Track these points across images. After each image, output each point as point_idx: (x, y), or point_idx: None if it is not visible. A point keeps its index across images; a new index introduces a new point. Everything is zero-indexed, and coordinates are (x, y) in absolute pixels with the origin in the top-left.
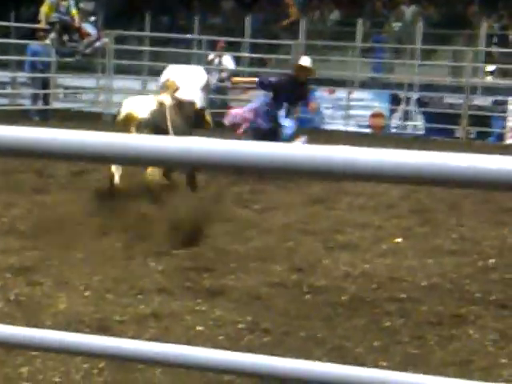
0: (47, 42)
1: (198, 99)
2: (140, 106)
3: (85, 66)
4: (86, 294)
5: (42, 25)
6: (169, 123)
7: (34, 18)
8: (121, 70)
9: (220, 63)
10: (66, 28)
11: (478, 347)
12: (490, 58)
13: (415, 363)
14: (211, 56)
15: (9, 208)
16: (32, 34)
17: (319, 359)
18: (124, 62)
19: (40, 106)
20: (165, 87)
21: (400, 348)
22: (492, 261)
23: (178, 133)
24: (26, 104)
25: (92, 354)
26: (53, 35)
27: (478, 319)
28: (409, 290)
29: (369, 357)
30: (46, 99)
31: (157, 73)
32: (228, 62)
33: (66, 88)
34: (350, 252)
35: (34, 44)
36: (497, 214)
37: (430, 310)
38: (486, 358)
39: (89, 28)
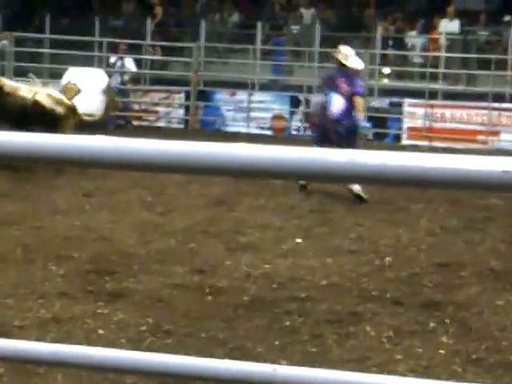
0: None
1: (99, 102)
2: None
3: None
4: None
5: None
6: None
7: None
8: (20, 73)
9: (122, 66)
10: None
11: (374, 344)
12: (385, 60)
13: (314, 361)
14: (113, 59)
15: None
16: None
17: (221, 359)
18: (23, 64)
19: None
20: (65, 90)
21: (300, 346)
22: (388, 259)
23: None
24: None
25: None
26: None
27: (374, 316)
28: (308, 289)
29: (269, 356)
30: None
31: (57, 75)
32: (130, 64)
33: None
34: (251, 253)
35: None
36: (392, 213)
37: (329, 309)
38: (382, 355)
39: None
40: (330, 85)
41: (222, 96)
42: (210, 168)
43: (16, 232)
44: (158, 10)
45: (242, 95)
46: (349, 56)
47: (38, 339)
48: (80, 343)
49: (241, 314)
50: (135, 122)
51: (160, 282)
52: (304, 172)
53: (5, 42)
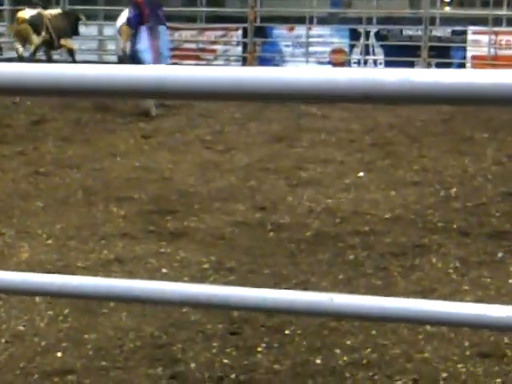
0: None
1: None
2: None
3: None
4: (49, 242)
5: None
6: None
7: None
8: None
9: None
10: None
11: (440, 275)
12: None
13: (379, 294)
14: None
15: None
16: None
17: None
18: (79, 7)
19: None
20: (121, 32)
21: (364, 280)
22: (454, 190)
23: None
24: None
25: (55, 294)
26: None
27: (440, 248)
28: (372, 222)
29: (334, 290)
30: None
31: (112, 18)
32: None
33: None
34: (312, 188)
35: None
36: (457, 143)
37: (393, 242)
38: (448, 286)
39: None
40: None
41: (279, 31)
42: (285, 93)
43: (76, 175)
44: None
45: (300, 30)
46: None
47: None
48: None
49: (304, 249)
50: (191, 62)
51: (222, 220)
52: (362, 93)
53: None
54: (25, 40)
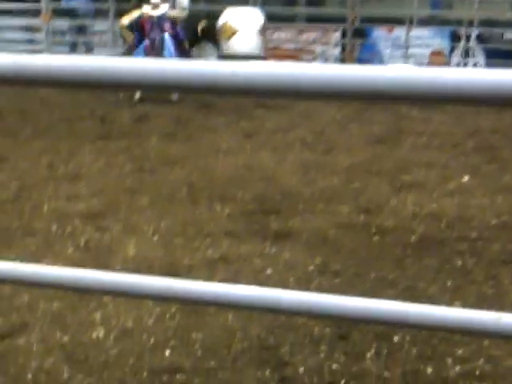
0: None
1: (255, 42)
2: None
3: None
4: (155, 238)
5: None
6: None
7: None
8: None
9: None
10: None
11: None
12: None
13: (490, 303)
14: None
15: (73, 155)
16: None
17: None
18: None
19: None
20: (222, 30)
21: (474, 288)
22: None
23: None
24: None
25: (163, 297)
26: None
27: None
28: (479, 228)
29: (442, 297)
30: (87, 46)
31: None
32: None
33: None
34: (416, 192)
35: None
36: None
37: (503, 249)
38: None
39: None
40: None
41: (379, 33)
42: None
43: (180, 172)
44: None
45: (399, 31)
46: None
47: (207, 279)
48: (249, 283)
49: (409, 254)
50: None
51: (326, 221)
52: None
53: None
54: None
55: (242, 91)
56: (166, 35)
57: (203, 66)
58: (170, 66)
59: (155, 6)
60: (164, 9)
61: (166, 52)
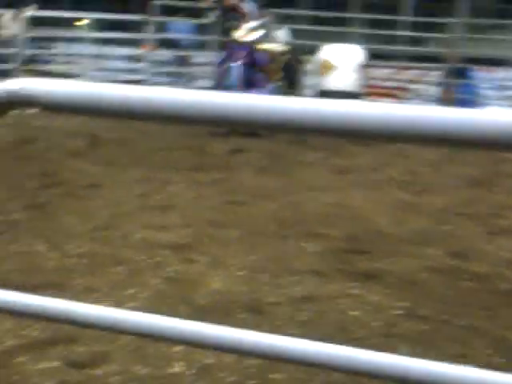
0: (206, 20)
1: (353, 78)
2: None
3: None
4: (240, 273)
5: (208, 3)
6: None
7: None
8: None
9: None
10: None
11: None
12: None
13: None
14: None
15: (166, 185)
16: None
17: (480, 351)
18: None
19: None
20: (321, 67)
21: None
22: None
23: None
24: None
25: (243, 351)
26: (216, 13)
27: None
28: None
29: None
30: (189, 77)
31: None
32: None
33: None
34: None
35: (176, 21)
36: None
37: None
38: None
39: (247, 6)
40: None
41: (479, 73)
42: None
43: (271, 206)
44: None
45: (501, 72)
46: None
47: (290, 317)
48: (333, 324)
49: (502, 302)
50: (386, 100)
51: (414, 264)
52: None
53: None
54: None
55: (331, 132)
56: (237, 63)
57: (289, 104)
58: (259, 102)
59: (249, 32)
60: (255, 36)
61: (228, 81)
